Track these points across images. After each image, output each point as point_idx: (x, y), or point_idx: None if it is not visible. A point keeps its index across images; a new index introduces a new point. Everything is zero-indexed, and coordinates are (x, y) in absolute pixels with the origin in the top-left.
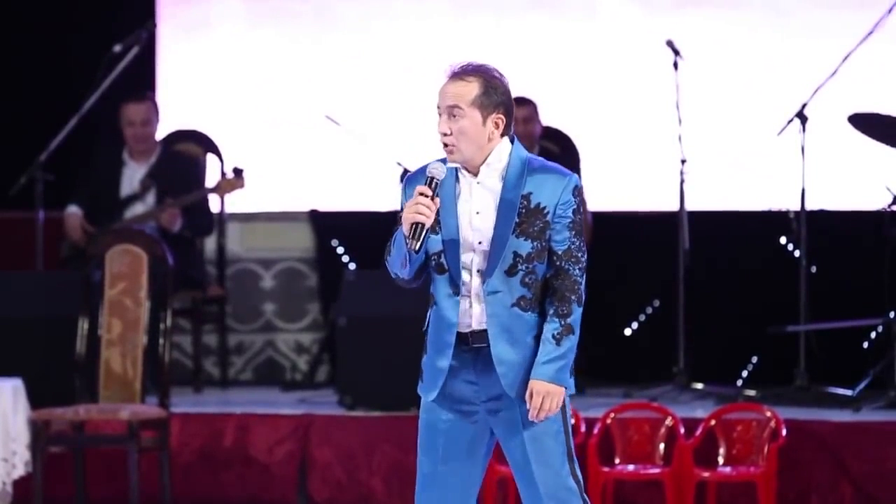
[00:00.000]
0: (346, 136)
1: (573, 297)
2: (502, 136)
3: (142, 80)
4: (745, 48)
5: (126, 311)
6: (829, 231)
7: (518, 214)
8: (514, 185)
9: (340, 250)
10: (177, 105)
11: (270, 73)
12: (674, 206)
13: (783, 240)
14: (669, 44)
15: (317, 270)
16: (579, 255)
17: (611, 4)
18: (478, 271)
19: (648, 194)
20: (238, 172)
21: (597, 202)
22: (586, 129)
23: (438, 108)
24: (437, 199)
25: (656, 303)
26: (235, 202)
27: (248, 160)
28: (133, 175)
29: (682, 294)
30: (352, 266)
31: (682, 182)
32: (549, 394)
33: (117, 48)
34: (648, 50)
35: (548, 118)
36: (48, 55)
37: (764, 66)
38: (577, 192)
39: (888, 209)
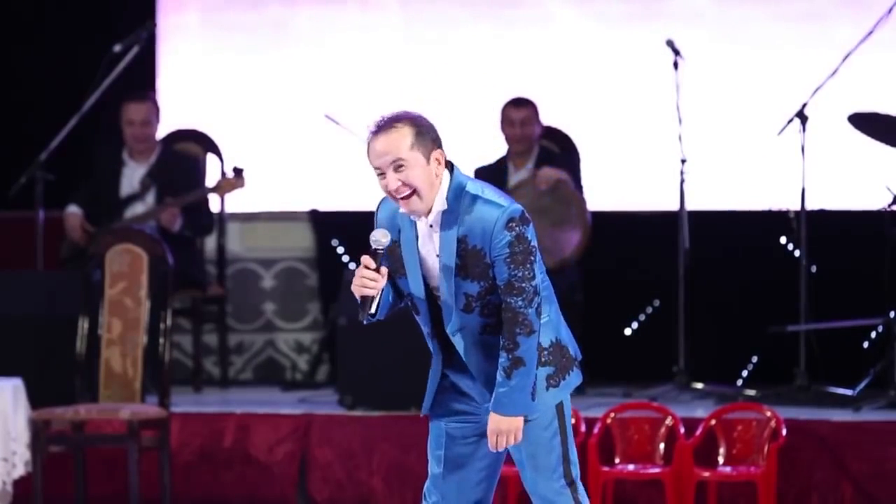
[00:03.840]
0: (346, 136)
1: (517, 330)
2: (448, 169)
3: (142, 80)
4: (745, 48)
5: (126, 310)
6: (829, 231)
7: (458, 256)
8: (449, 226)
9: (340, 250)
10: (177, 105)
11: (270, 72)
12: (674, 206)
13: (783, 240)
14: (669, 44)
15: (317, 270)
16: (523, 285)
17: (611, 4)
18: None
19: (648, 194)
20: (238, 172)
21: (597, 202)
22: (586, 129)
23: (378, 167)
24: (384, 269)
25: (656, 303)
26: (235, 202)
27: (248, 160)
28: (133, 175)
29: (682, 294)
30: (352, 266)
31: (682, 182)
32: (502, 431)
33: (117, 48)
34: (648, 50)
35: (548, 118)
36: (48, 55)
37: (764, 66)
38: (513, 223)
39: (888, 209)
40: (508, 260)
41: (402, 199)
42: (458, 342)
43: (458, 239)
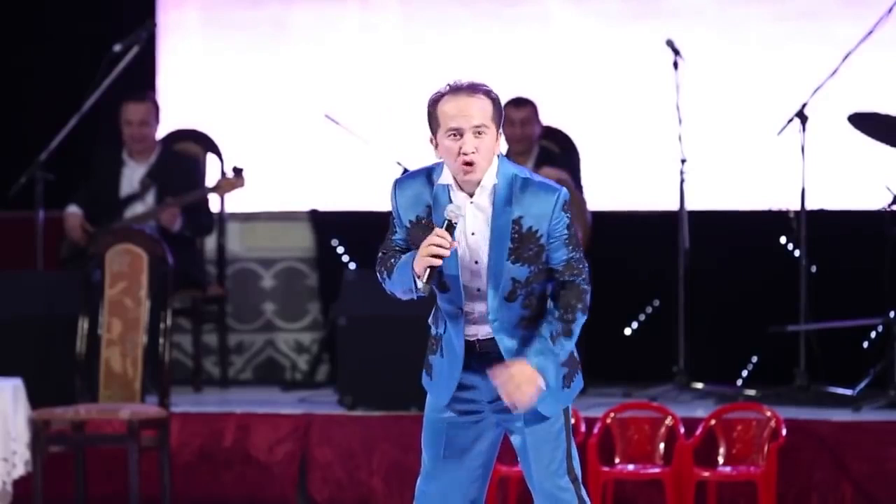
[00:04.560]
0: (346, 136)
1: (579, 305)
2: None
3: (142, 80)
4: (745, 47)
5: (126, 310)
6: (829, 231)
7: (511, 240)
8: (503, 210)
9: (340, 250)
10: (177, 105)
11: (271, 72)
12: (674, 206)
13: (783, 240)
14: (669, 44)
15: (317, 270)
16: (581, 266)
17: (611, 3)
18: (476, 289)
19: (648, 194)
20: (238, 172)
21: (597, 202)
22: (586, 129)
23: (458, 127)
24: (454, 242)
25: (656, 303)
26: (235, 202)
27: (248, 160)
28: (133, 175)
29: (682, 294)
30: (352, 266)
31: (682, 182)
32: (526, 379)
33: (117, 48)
34: (648, 50)
35: (548, 118)
36: (48, 55)
37: (764, 66)
38: (567, 206)
39: (888, 209)
40: (567, 241)
41: (469, 164)
42: (494, 330)
43: (512, 220)
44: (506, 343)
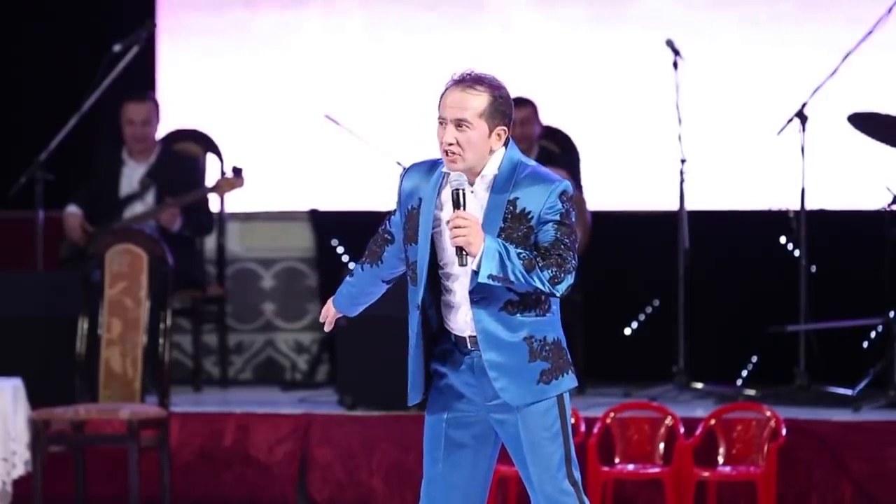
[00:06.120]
0: (346, 136)
1: (553, 269)
2: (504, 145)
3: (142, 80)
4: (745, 48)
5: (126, 310)
6: (829, 231)
7: (503, 219)
8: (500, 190)
9: (340, 250)
10: (177, 105)
11: (270, 72)
12: (674, 206)
13: (783, 240)
14: (669, 44)
15: (317, 270)
16: (569, 254)
17: (611, 3)
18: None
19: (648, 194)
20: (237, 172)
21: (597, 202)
22: (586, 129)
23: (443, 116)
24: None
25: (656, 303)
26: (235, 202)
27: (248, 160)
28: (133, 174)
29: (682, 294)
30: (351, 266)
31: (682, 182)
32: (474, 229)
33: (117, 48)
34: (648, 50)
35: (548, 118)
36: (48, 55)
37: (764, 66)
38: (566, 197)
39: (888, 209)
40: (556, 225)
41: (449, 154)
42: (475, 311)
43: (508, 201)
44: (485, 324)
